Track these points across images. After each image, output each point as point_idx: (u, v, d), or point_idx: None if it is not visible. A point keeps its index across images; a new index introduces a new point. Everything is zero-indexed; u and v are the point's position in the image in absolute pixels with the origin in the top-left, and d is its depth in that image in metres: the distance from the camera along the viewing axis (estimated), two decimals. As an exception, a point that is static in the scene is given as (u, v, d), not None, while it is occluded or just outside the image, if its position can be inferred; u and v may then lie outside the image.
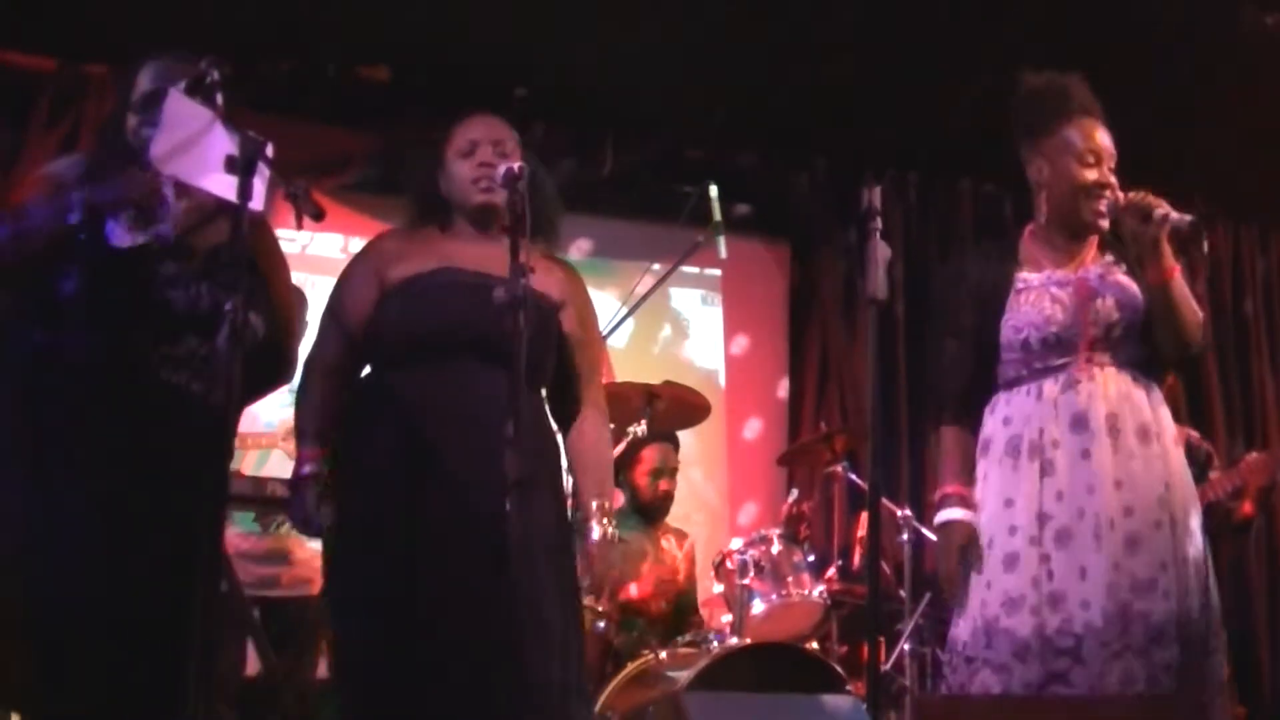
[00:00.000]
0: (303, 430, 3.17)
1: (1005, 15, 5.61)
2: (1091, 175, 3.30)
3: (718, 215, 4.76)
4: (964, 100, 6.09)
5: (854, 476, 5.68)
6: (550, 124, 6.40)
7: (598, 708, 4.44)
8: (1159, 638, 3.06)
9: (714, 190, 4.74)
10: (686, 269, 5.27)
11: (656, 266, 4.97)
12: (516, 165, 2.99)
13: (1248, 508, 5.12)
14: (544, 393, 3.29)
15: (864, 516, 5.61)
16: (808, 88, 6.27)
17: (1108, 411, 3.21)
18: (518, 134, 3.37)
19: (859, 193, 3.18)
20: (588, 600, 3.22)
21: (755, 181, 6.98)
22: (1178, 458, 3.28)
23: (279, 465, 5.15)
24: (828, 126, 6.72)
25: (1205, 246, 3.17)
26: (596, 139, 6.64)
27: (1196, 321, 3.25)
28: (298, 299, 3.92)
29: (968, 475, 3.36)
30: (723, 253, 4.76)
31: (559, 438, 3.32)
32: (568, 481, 3.39)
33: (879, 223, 3.19)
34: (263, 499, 4.35)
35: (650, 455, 5.51)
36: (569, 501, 3.41)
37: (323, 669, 4.80)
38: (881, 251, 3.15)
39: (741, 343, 7.29)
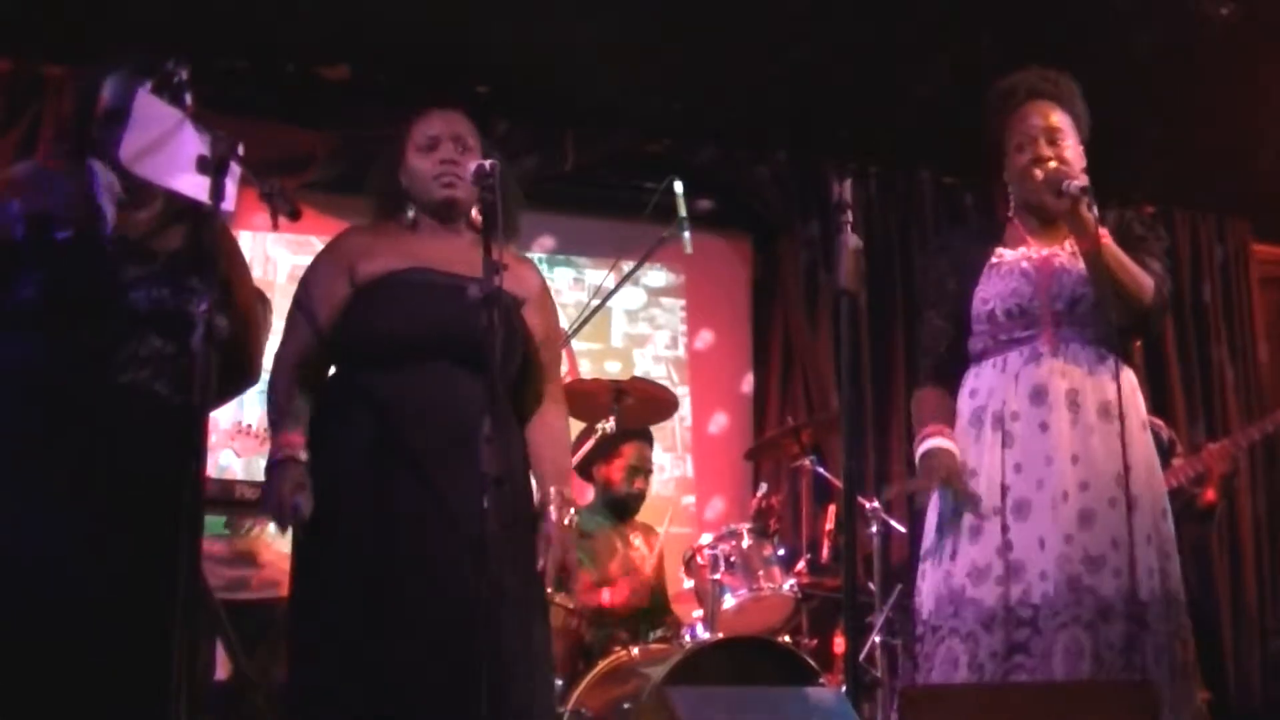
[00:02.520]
0: (276, 421, 3.11)
1: (962, 8, 5.62)
2: (1023, 159, 3.40)
3: (683, 211, 4.75)
4: (923, 92, 6.12)
5: (822, 470, 5.69)
6: (511, 121, 6.40)
7: (571, 704, 4.43)
8: (1106, 614, 3.12)
9: (678, 186, 4.73)
10: (649, 264, 5.27)
11: (621, 263, 4.96)
12: (488, 163, 2.98)
13: (1210, 494, 5.16)
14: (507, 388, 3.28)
15: (832, 509, 5.63)
16: (767, 81, 6.28)
17: (1069, 386, 3.27)
18: (478, 129, 3.35)
19: (820, 185, 3.22)
20: (555, 595, 3.18)
21: (716, 175, 6.97)
22: (1145, 441, 3.33)
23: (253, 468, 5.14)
24: (787, 119, 6.73)
25: (1094, 209, 3.20)
26: (557, 135, 6.61)
27: (1139, 284, 3.28)
28: (261, 302, 3.90)
29: (947, 422, 3.42)
30: (688, 248, 4.75)
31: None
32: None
33: (850, 215, 3.22)
34: (230, 502, 4.33)
35: (629, 452, 5.54)
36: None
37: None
38: (852, 243, 3.17)
39: (705, 337, 7.29)
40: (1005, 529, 3.21)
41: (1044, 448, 3.24)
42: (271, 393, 3.18)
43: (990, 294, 3.39)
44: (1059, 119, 3.42)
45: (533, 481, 3.29)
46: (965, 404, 3.41)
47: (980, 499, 3.28)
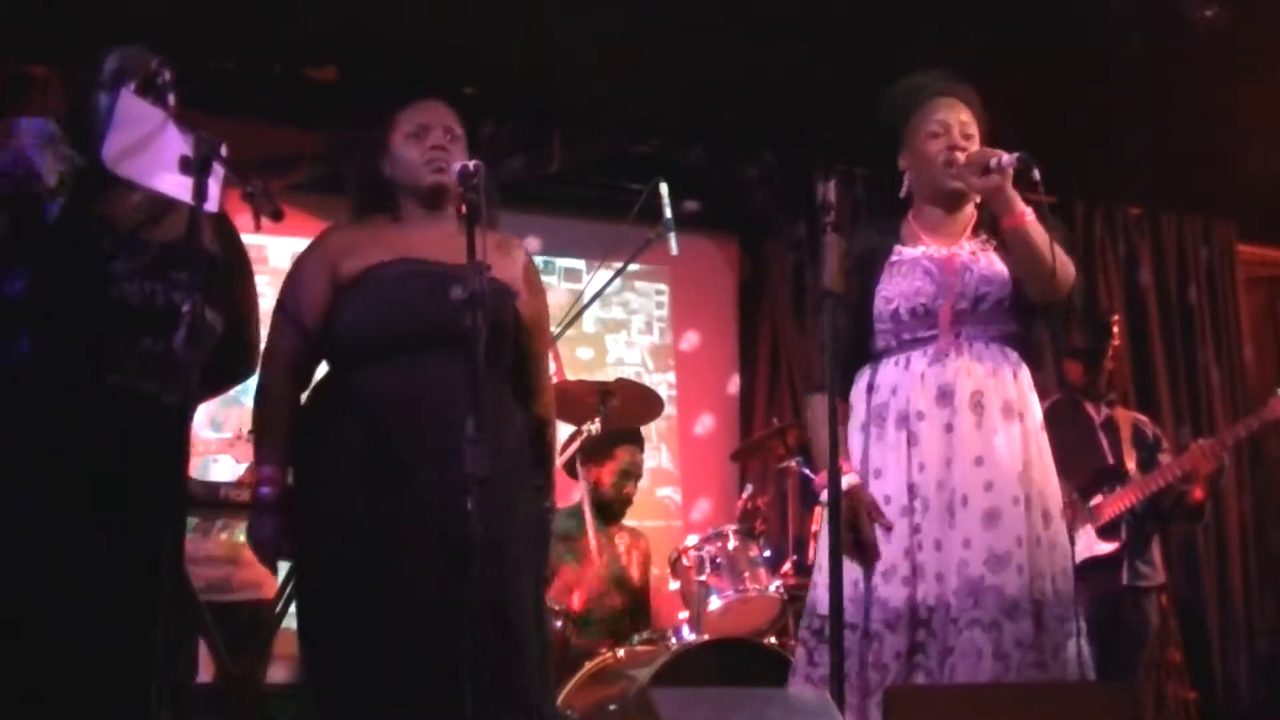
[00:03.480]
0: (263, 441, 3.13)
1: (953, 11, 5.63)
2: (937, 145, 3.38)
3: (668, 212, 4.75)
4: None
5: (808, 471, 5.68)
6: (498, 122, 6.39)
7: (557, 705, 4.42)
8: (1012, 611, 3.10)
9: (664, 187, 4.73)
10: (635, 265, 5.26)
11: (607, 264, 4.95)
12: (472, 163, 2.98)
13: (1199, 493, 5.16)
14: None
15: (818, 510, 5.62)
16: (756, 82, 6.27)
17: (974, 388, 3.26)
18: (465, 130, 3.36)
19: (807, 186, 3.22)
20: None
21: (703, 177, 6.96)
22: (1040, 441, 3.32)
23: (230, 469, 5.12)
24: (775, 121, 6.73)
25: (1036, 174, 3.16)
26: (544, 136, 6.60)
27: (1059, 266, 3.23)
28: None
29: (843, 444, 3.39)
30: (674, 250, 4.75)
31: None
32: None
33: (833, 216, 3.23)
34: (216, 504, 4.31)
35: (622, 456, 5.55)
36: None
37: (277, 673, 4.76)
38: (835, 244, 3.18)
39: (692, 339, 7.29)
40: (916, 529, 3.21)
41: (946, 450, 3.23)
42: (260, 396, 3.18)
43: (894, 293, 3.36)
44: (968, 118, 3.41)
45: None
46: (862, 400, 3.38)
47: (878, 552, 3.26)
